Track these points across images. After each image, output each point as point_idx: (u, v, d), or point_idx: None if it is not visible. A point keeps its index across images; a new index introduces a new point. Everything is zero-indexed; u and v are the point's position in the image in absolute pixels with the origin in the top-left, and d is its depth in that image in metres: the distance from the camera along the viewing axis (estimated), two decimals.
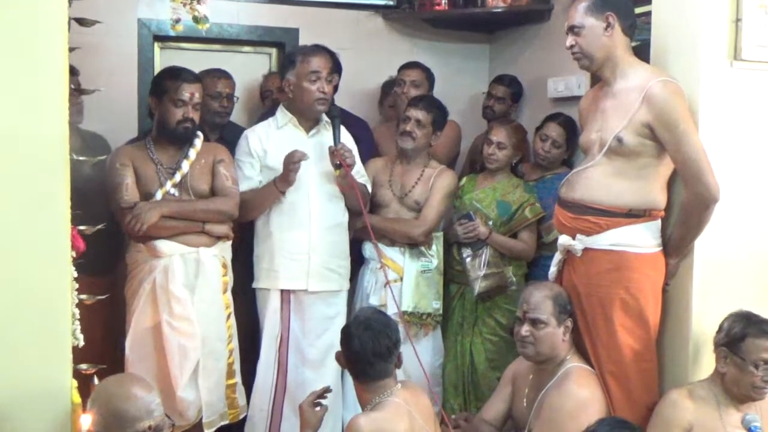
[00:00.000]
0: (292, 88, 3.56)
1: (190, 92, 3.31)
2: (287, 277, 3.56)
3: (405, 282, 3.72)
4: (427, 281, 3.74)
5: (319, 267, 3.56)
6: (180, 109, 3.31)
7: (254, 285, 3.62)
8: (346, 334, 2.82)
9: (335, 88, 3.87)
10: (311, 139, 3.60)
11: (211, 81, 4.02)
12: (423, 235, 3.74)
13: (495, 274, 3.72)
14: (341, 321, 3.60)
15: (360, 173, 3.69)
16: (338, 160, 3.46)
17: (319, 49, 3.62)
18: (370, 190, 3.77)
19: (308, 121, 3.61)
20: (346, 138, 3.66)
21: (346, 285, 3.70)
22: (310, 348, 3.57)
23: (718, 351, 2.79)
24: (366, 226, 3.55)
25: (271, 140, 3.58)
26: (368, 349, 2.73)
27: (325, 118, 3.63)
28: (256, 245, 3.62)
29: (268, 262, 3.57)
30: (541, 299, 2.96)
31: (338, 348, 3.46)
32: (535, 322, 2.95)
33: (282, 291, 3.58)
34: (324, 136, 3.60)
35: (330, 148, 3.50)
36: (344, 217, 3.67)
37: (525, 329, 2.97)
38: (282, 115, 3.64)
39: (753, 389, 2.69)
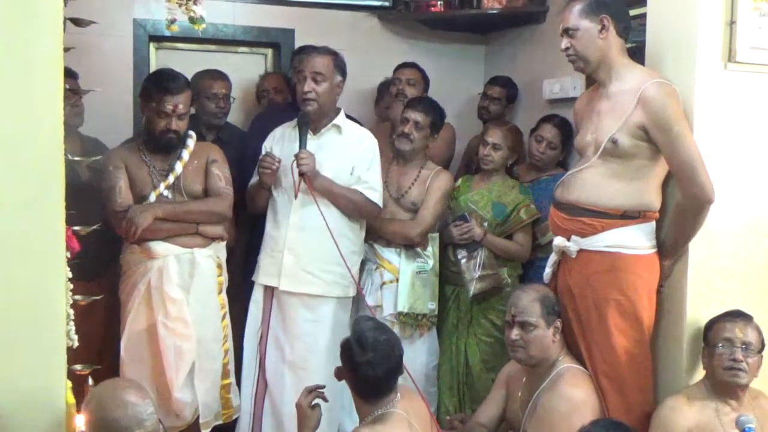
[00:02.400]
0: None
1: (173, 104, 3.27)
2: (265, 273, 3.58)
3: (401, 282, 3.72)
4: (423, 282, 3.74)
5: (293, 267, 3.51)
6: (163, 120, 3.29)
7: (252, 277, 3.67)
8: (351, 357, 2.69)
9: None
10: (316, 141, 3.56)
11: (207, 82, 4.02)
12: (420, 236, 3.74)
13: (490, 275, 3.73)
14: (324, 326, 3.54)
15: (362, 179, 3.57)
16: (298, 166, 3.43)
17: (305, 49, 3.64)
18: (375, 198, 3.60)
19: (315, 123, 3.57)
20: (358, 144, 3.60)
21: (336, 292, 3.56)
22: (290, 347, 3.54)
23: (701, 352, 2.85)
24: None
25: (280, 139, 3.61)
26: (379, 373, 2.65)
27: (336, 121, 3.59)
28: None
29: (259, 256, 3.62)
30: (528, 302, 2.96)
31: (319, 353, 3.47)
32: (524, 325, 2.95)
33: (265, 287, 3.60)
34: (328, 138, 3.58)
35: (295, 154, 3.46)
36: (337, 222, 3.52)
37: (515, 333, 2.97)
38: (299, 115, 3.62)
39: (724, 372, 2.72)
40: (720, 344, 2.74)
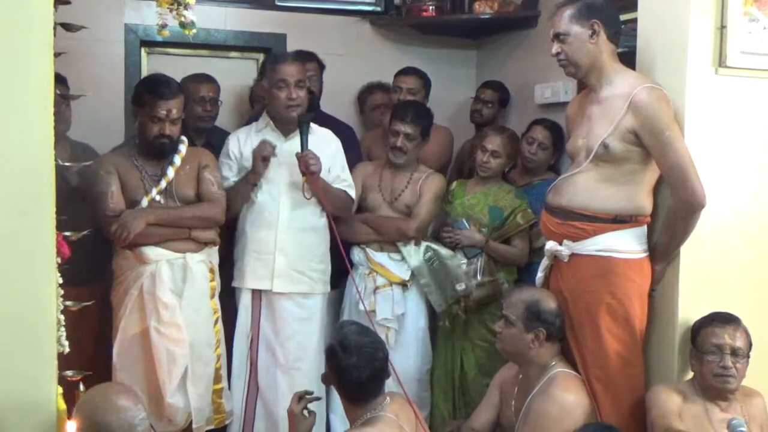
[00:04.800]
0: (266, 94, 3.64)
1: (166, 109, 3.27)
2: (253, 277, 3.59)
3: (425, 284, 3.73)
4: (437, 270, 3.73)
5: (285, 268, 3.56)
6: (156, 125, 3.29)
7: (232, 283, 3.65)
8: (337, 361, 2.70)
9: (320, 88, 4.04)
10: (288, 143, 3.61)
11: (194, 85, 4.01)
12: (416, 231, 3.75)
13: (490, 282, 3.74)
14: (315, 324, 3.64)
15: (341, 177, 3.69)
16: (303, 166, 3.47)
17: (288, 57, 3.69)
18: (353, 194, 3.75)
19: (285, 126, 3.62)
20: (329, 143, 3.67)
21: (321, 288, 3.67)
22: (281, 349, 3.58)
23: (689, 353, 2.86)
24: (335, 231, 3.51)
25: (248, 144, 3.62)
26: (364, 376, 2.67)
27: None
28: (234, 244, 3.64)
29: (240, 261, 3.61)
30: (515, 301, 3.01)
31: (311, 351, 3.51)
32: (506, 320, 2.99)
33: (253, 290, 3.61)
34: (299, 142, 3.59)
35: (297, 154, 3.50)
36: (319, 220, 3.64)
37: (498, 325, 3.06)
38: (262, 119, 3.68)
39: (714, 378, 2.73)
40: (710, 351, 2.74)
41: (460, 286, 3.71)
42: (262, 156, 3.50)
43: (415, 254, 3.75)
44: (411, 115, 3.78)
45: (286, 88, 3.53)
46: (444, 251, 3.76)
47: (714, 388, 2.75)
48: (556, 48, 2.96)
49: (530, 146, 3.94)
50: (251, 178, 3.54)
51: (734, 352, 2.73)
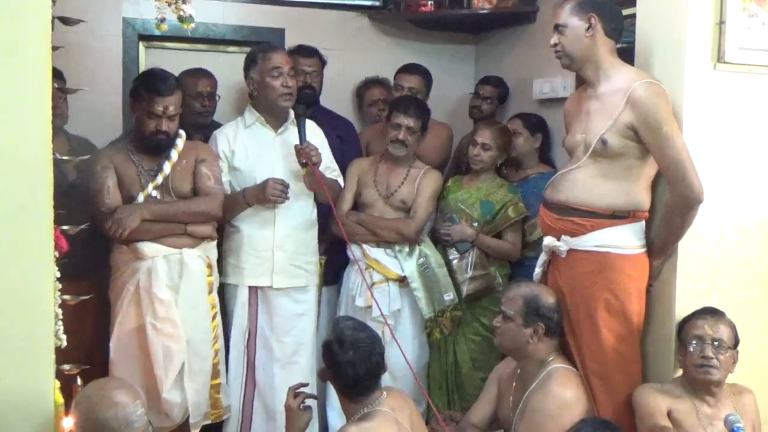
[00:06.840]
0: (256, 86, 3.60)
1: (163, 106, 3.25)
2: (252, 274, 3.58)
3: (415, 289, 3.72)
4: (429, 277, 3.73)
5: (284, 264, 3.58)
6: (153, 121, 3.28)
7: (221, 280, 3.61)
8: (333, 357, 2.71)
9: (321, 83, 4.03)
10: (279, 137, 3.63)
11: (191, 81, 3.99)
12: (415, 233, 3.75)
13: (482, 275, 3.74)
14: (310, 318, 3.67)
15: (330, 168, 3.72)
16: (304, 158, 3.47)
17: (278, 46, 3.72)
18: (342, 183, 3.79)
19: (276, 119, 3.63)
20: (315, 134, 3.67)
21: (315, 281, 3.72)
22: (278, 344, 3.59)
23: (677, 349, 2.87)
24: (338, 223, 3.55)
25: (238, 140, 3.61)
26: (361, 371, 2.67)
27: (292, 116, 3.64)
28: (223, 240, 3.61)
29: (235, 258, 3.60)
30: (514, 296, 3.01)
31: (307, 345, 3.55)
32: (504, 315, 3.00)
33: (249, 287, 3.60)
34: (292, 133, 3.61)
35: (296, 146, 3.50)
36: (312, 214, 3.69)
37: (497, 320, 3.06)
38: (249, 114, 3.66)
39: (696, 369, 2.73)
40: (691, 342, 2.76)
41: (449, 296, 3.72)
42: (275, 196, 3.46)
43: (409, 259, 3.75)
44: (413, 109, 3.79)
45: (281, 77, 3.52)
46: (435, 259, 3.77)
47: (697, 380, 2.75)
48: (554, 39, 2.97)
49: None
50: (250, 200, 3.52)
51: (716, 343, 2.73)
